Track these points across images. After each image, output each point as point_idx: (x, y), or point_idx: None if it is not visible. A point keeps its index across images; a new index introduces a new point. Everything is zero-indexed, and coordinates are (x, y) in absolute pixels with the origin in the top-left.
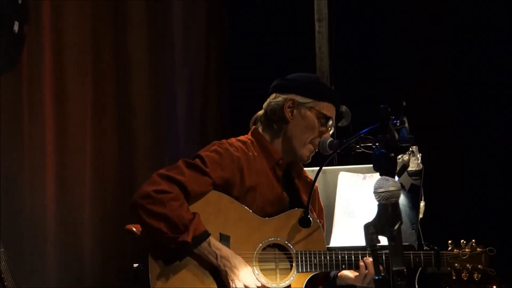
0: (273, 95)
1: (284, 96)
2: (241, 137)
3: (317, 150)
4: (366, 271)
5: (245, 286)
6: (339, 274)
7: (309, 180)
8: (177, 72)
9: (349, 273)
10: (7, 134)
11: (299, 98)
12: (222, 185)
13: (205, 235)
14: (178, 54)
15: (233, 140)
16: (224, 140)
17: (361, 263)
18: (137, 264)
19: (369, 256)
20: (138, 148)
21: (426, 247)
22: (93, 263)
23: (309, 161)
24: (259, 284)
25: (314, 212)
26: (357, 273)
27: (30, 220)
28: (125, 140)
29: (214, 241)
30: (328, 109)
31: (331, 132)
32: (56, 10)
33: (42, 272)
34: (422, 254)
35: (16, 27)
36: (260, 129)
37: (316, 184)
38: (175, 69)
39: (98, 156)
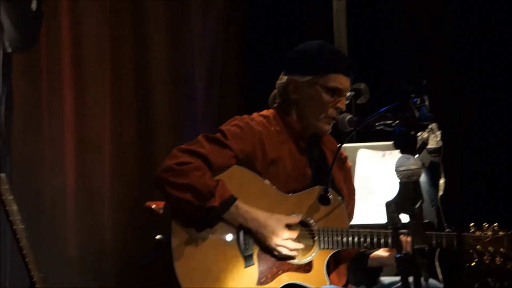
0: (281, 75)
1: (287, 76)
2: (263, 112)
3: (335, 121)
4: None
5: (283, 240)
6: (371, 255)
7: (343, 156)
8: (195, 49)
9: (382, 253)
10: (26, 113)
11: (300, 78)
12: (244, 159)
13: (232, 199)
14: (197, 30)
15: (254, 115)
16: (245, 115)
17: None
18: (159, 236)
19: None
20: (157, 125)
21: (448, 229)
22: (113, 241)
23: (329, 132)
24: (295, 236)
25: (344, 191)
26: (391, 252)
27: (50, 199)
28: (143, 117)
29: (241, 204)
30: (333, 79)
31: (347, 97)
32: None
33: (63, 250)
34: (444, 235)
35: (33, 5)
36: (278, 106)
37: (349, 163)
38: (193, 46)
39: (117, 135)
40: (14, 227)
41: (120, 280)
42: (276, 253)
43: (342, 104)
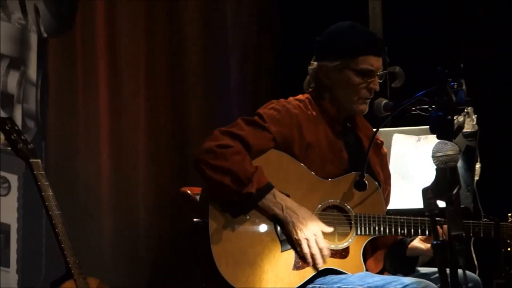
0: (312, 60)
1: (317, 63)
2: (299, 96)
3: (370, 99)
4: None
5: (314, 235)
6: (409, 245)
7: (379, 141)
8: (229, 40)
9: (420, 244)
10: (62, 96)
11: (329, 63)
12: (282, 142)
13: (269, 186)
14: (231, 22)
15: (290, 98)
16: (281, 99)
17: (440, 230)
18: (197, 219)
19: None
20: (191, 110)
21: (485, 218)
22: (148, 225)
23: (366, 112)
24: (330, 229)
25: (381, 176)
26: (428, 244)
27: (85, 185)
28: (178, 102)
29: (278, 192)
30: (362, 61)
31: (380, 76)
32: None
33: (98, 235)
34: (482, 224)
35: None
36: (313, 91)
37: (385, 149)
38: (227, 36)
39: (151, 121)
40: (50, 213)
41: (155, 264)
42: (298, 247)
43: (375, 84)
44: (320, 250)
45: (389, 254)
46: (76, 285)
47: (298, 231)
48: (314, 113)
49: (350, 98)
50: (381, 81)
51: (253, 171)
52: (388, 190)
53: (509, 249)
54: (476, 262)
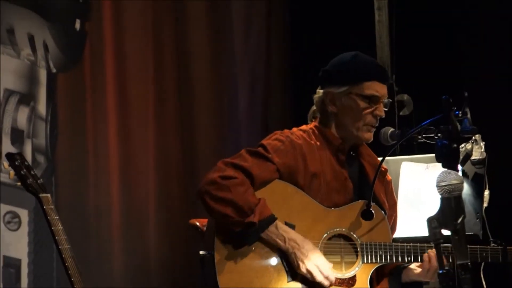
0: (317, 90)
1: (323, 90)
2: (303, 127)
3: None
4: (429, 265)
5: (316, 266)
6: (404, 270)
7: (383, 169)
8: (238, 63)
9: (414, 267)
10: (71, 130)
11: (335, 89)
12: (286, 173)
13: (272, 218)
14: (239, 44)
15: (294, 129)
16: (285, 130)
17: (425, 257)
18: (203, 252)
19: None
20: (201, 140)
21: (493, 243)
22: (158, 256)
23: (371, 140)
24: (330, 265)
25: (386, 204)
26: (420, 269)
27: (95, 217)
28: (187, 133)
29: (281, 224)
30: (368, 87)
31: (385, 104)
32: (117, 6)
33: (109, 266)
34: (489, 250)
35: (77, 25)
36: (318, 121)
37: (389, 177)
38: (236, 60)
39: (161, 149)
40: (60, 247)
41: None
42: (309, 276)
43: (381, 111)
44: (326, 278)
45: (390, 280)
46: None
47: (300, 263)
48: (318, 143)
49: (356, 124)
50: (386, 109)
51: (255, 202)
52: (394, 216)
53: None
54: (485, 285)
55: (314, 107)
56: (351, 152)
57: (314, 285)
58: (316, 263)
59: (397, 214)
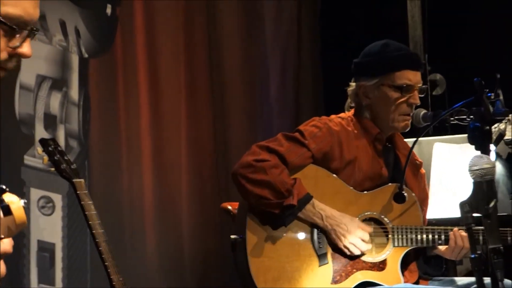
0: (350, 82)
1: (356, 83)
2: (341, 114)
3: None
4: (455, 244)
5: (358, 238)
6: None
7: (418, 162)
8: (269, 49)
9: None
10: (104, 115)
11: (367, 82)
12: (321, 159)
13: (308, 197)
14: (270, 30)
15: (333, 116)
16: (323, 116)
17: (451, 235)
18: (234, 236)
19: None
20: (232, 126)
21: None
22: (192, 241)
23: (408, 128)
24: (367, 236)
25: (415, 191)
26: (446, 245)
27: (128, 202)
28: (219, 119)
29: (317, 202)
30: (399, 77)
31: (420, 90)
32: None
33: (142, 253)
34: None
35: (109, 10)
36: (353, 112)
37: (423, 170)
38: (267, 46)
39: (193, 135)
40: (93, 231)
41: (200, 281)
42: (347, 252)
43: (415, 99)
44: (367, 250)
45: (419, 260)
46: None
47: (342, 238)
48: (356, 131)
49: (391, 115)
50: (422, 95)
51: (292, 183)
52: (425, 211)
53: None
54: None
55: (348, 100)
56: (387, 143)
57: (344, 268)
58: (358, 235)
59: (427, 208)
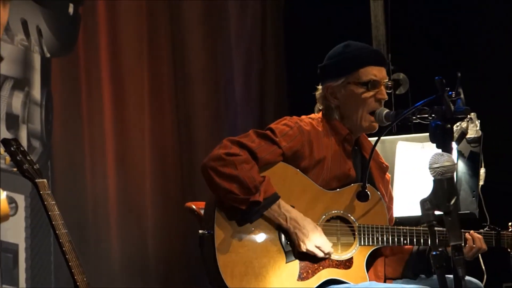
0: (317, 87)
1: (322, 86)
2: (312, 115)
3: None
4: (470, 247)
5: (316, 246)
6: None
7: (385, 165)
8: (233, 45)
9: None
10: (67, 115)
11: (334, 82)
12: (290, 157)
13: (275, 197)
14: (234, 27)
15: (303, 116)
16: (294, 116)
17: (468, 236)
18: (202, 231)
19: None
20: (197, 124)
21: (487, 228)
22: (156, 241)
23: (376, 130)
24: (331, 244)
25: (385, 197)
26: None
27: (92, 202)
28: (183, 117)
29: (283, 203)
30: (364, 73)
31: (386, 86)
32: None
33: (106, 252)
34: (482, 234)
35: (71, 9)
36: (323, 113)
37: (389, 175)
38: (231, 43)
39: (156, 137)
40: (57, 232)
41: (165, 280)
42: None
43: (383, 94)
44: (327, 255)
45: (411, 259)
46: None
47: (301, 243)
48: (325, 132)
49: (359, 113)
50: (389, 91)
51: (260, 180)
52: (391, 213)
53: None
54: (484, 268)
55: (317, 104)
56: (355, 146)
57: (311, 266)
58: (316, 243)
59: (393, 210)
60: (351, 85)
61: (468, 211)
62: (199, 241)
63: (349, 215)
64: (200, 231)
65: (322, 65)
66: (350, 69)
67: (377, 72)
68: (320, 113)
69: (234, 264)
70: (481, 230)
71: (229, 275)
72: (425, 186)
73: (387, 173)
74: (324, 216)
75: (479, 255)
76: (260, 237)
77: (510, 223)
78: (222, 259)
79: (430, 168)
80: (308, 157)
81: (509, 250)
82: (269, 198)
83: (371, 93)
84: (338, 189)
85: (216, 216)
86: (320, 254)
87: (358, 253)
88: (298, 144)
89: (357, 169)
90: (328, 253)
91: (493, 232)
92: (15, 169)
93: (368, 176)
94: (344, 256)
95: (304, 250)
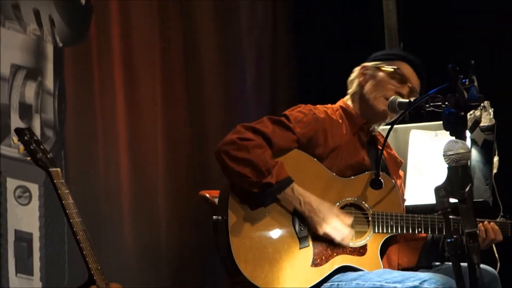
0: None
1: (358, 68)
2: (327, 105)
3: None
4: (484, 236)
5: (333, 228)
6: None
7: (399, 161)
8: (245, 38)
9: None
10: (79, 104)
11: (370, 63)
12: (305, 144)
13: (289, 180)
14: (245, 19)
15: (317, 105)
16: (309, 104)
17: (481, 228)
18: (216, 217)
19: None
20: (209, 115)
21: (502, 217)
22: (168, 230)
23: (387, 118)
24: (348, 224)
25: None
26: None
27: (105, 191)
28: (195, 108)
29: (297, 187)
30: (402, 67)
31: (411, 91)
32: None
33: (120, 241)
34: (498, 224)
35: (83, 0)
36: (346, 98)
37: (402, 172)
38: (242, 35)
39: (169, 126)
40: (71, 220)
41: (177, 268)
42: (328, 237)
43: (405, 90)
44: (343, 240)
45: (426, 247)
46: None
47: (318, 227)
48: (340, 121)
49: (375, 93)
50: (412, 98)
51: (273, 164)
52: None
53: None
54: (497, 256)
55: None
56: (369, 140)
57: (325, 252)
58: (334, 225)
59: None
60: (383, 71)
61: (482, 200)
62: (213, 227)
63: (363, 202)
64: (214, 217)
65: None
66: (391, 58)
67: (411, 75)
68: (338, 103)
69: (247, 249)
70: (496, 220)
71: (243, 260)
72: (439, 174)
73: (400, 170)
74: (338, 204)
75: (493, 244)
76: (273, 222)
77: None
78: (236, 245)
79: (444, 155)
80: (323, 145)
81: None
82: (282, 181)
83: (395, 84)
84: (352, 177)
85: (230, 202)
86: (338, 238)
87: (372, 240)
88: (312, 131)
89: (371, 160)
90: (345, 238)
91: (509, 222)
92: (28, 158)
93: (384, 168)
94: (358, 243)
95: (321, 234)
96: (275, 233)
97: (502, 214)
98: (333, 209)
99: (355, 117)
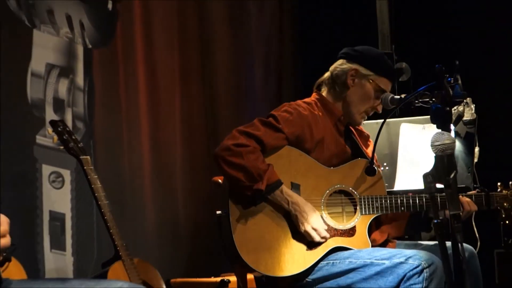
0: (340, 61)
1: (350, 65)
2: (306, 99)
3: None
4: (462, 208)
5: (313, 228)
6: None
7: (366, 134)
8: (254, 37)
9: None
10: (106, 99)
11: (363, 70)
12: (294, 141)
13: (278, 183)
14: (254, 19)
15: (299, 102)
16: (292, 102)
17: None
18: (220, 212)
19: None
20: (222, 108)
21: (477, 190)
22: (186, 211)
23: (360, 125)
24: (326, 227)
25: (377, 161)
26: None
27: (129, 177)
28: (210, 102)
29: (286, 189)
30: (385, 84)
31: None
32: None
33: (142, 221)
34: (473, 196)
35: (110, 5)
36: (324, 92)
37: (371, 140)
38: (251, 35)
39: (186, 118)
40: (99, 203)
41: (194, 244)
42: (307, 237)
43: (380, 107)
44: (322, 238)
45: (411, 220)
46: (124, 265)
47: (301, 225)
48: (320, 114)
49: (359, 107)
50: (403, 95)
51: (265, 169)
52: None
53: (507, 222)
54: (477, 235)
55: (326, 76)
56: (346, 127)
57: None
58: (313, 226)
59: None
60: (373, 83)
61: (464, 185)
62: (217, 221)
63: (350, 188)
64: (218, 212)
65: (357, 49)
66: (383, 73)
67: (389, 90)
68: (313, 96)
69: (248, 240)
70: (471, 192)
71: (245, 251)
72: (427, 163)
73: (370, 139)
74: (328, 191)
75: (473, 224)
76: (269, 214)
77: (498, 183)
78: (238, 237)
79: (432, 145)
80: (310, 140)
81: (499, 208)
82: (272, 184)
83: (375, 100)
84: (340, 166)
85: (229, 198)
86: (316, 238)
87: (360, 221)
88: (299, 129)
89: (350, 147)
90: (324, 237)
91: (482, 193)
92: (61, 147)
93: (355, 146)
94: (348, 225)
95: (303, 231)
96: (271, 223)
97: (477, 187)
98: (316, 212)
99: (334, 109)
